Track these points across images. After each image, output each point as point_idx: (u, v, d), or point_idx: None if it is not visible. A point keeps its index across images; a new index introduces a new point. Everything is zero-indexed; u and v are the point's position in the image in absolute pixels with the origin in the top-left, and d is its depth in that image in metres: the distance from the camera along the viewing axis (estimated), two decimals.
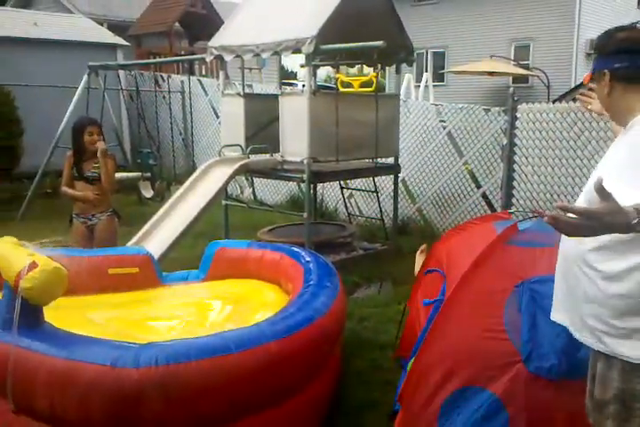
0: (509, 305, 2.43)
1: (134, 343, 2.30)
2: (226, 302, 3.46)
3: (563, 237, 1.77)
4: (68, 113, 7.46)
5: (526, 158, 5.73)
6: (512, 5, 17.72)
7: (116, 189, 4.42)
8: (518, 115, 5.72)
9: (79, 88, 7.70)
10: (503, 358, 2.32)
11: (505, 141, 5.82)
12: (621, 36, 1.72)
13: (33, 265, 2.23)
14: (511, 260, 2.64)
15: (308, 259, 3.54)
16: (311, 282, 3.20)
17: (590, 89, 2.31)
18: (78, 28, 10.64)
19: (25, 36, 9.13)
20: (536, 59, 17.86)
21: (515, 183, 5.83)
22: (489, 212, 6.15)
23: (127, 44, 10.73)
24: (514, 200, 5.85)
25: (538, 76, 16.88)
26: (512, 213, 3.48)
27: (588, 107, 2.35)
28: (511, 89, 5.99)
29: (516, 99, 5.72)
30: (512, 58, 18.06)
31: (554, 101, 6.35)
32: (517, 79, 18.00)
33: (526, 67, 17.45)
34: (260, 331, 2.59)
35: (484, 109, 6.21)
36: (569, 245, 1.77)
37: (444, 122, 6.64)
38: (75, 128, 4.23)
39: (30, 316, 2.29)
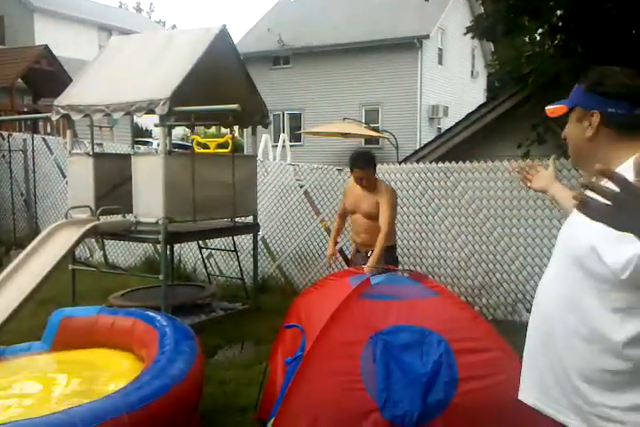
0: (365, 356, 2.51)
1: None
2: (73, 374, 3.22)
3: (542, 305, 1.56)
4: None
5: None
6: (361, 72, 19.17)
7: None
8: None
9: None
10: (361, 408, 2.37)
11: None
12: (626, 80, 1.51)
13: None
14: (365, 312, 2.75)
15: (163, 323, 3.42)
16: (167, 347, 3.08)
17: (529, 166, 2.11)
18: None
19: None
20: (385, 122, 19.30)
21: None
22: (346, 267, 6.35)
23: None
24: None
25: (387, 138, 18.16)
26: (365, 267, 3.63)
27: (529, 184, 2.08)
28: None
29: None
30: (363, 121, 19.34)
31: (400, 162, 6.83)
32: (369, 141, 19.24)
33: (376, 129, 18.75)
34: (112, 403, 2.43)
35: (338, 169, 6.52)
36: (560, 314, 1.50)
37: (301, 181, 6.86)
38: None
39: None
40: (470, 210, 5.62)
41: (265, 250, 7.00)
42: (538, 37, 7.47)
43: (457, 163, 5.70)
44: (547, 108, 1.68)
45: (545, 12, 6.04)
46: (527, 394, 1.60)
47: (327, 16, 20.57)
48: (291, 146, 15.78)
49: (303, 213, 6.79)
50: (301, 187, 6.82)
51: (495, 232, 5.51)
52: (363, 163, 4.42)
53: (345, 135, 17.64)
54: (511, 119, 7.47)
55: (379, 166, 6.02)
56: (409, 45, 18.67)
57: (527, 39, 7.74)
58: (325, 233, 6.65)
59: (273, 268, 6.96)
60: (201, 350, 3.25)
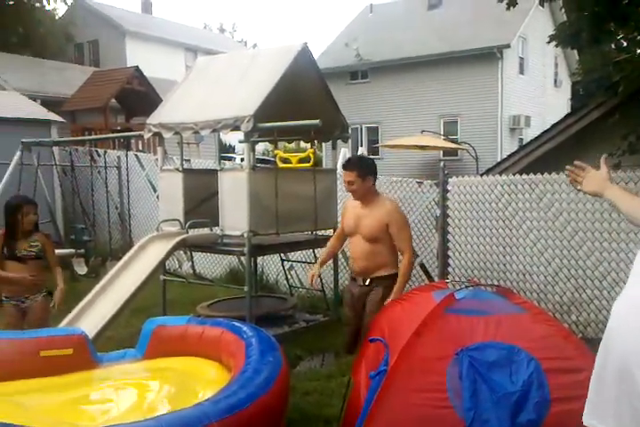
0: (451, 372, 2.48)
1: None
2: (164, 381, 3.34)
3: (621, 334, 1.47)
4: None
5: (459, 229, 5.95)
6: (440, 84, 19.01)
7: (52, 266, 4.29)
8: (449, 187, 5.98)
9: (11, 165, 7.57)
10: (448, 426, 2.34)
11: (438, 213, 6.05)
12: None
13: None
14: (450, 328, 2.71)
15: (249, 333, 3.48)
16: (253, 357, 3.16)
17: (578, 166, 1.96)
18: (11, 104, 10.57)
19: None
20: (464, 133, 19.01)
21: (450, 253, 6.02)
22: (427, 281, 6.28)
23: (62, 120, 10.71)
24: (450, 269, 6.01)
25: (467, 150, 17.86)
26: (449, 282, 3.59)
27: (579, 187, 1.96)
28: (442, 163, 6.31)
29: (446, 172, 6.02)
30: (441, 133, 19.13)
31: (481, 174, 6.71)
32: (447, 153, 18.99)
33: (455, 141, 18.49)
34: (202, 411, 2.51)
35: (417, 182, 6.48)
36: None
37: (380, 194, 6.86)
38: (9, 207, 4.12)
39: None
40: (557, 223, 5.42)
41: (345, 263, 7.04)
42: (625, 44, 7.18)
43: (542, 174, 5.53)
44: None
45: (632, 17, 5.80)
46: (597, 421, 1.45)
47: (405, 29, 20.58)
48: None
49: None
50: None
51: (585, 246, 5.28)
52: (355, 164, 4.00)
53: (423, 148, 17.51)
54: (599, 129, 7.18)
55: (458, 179, 5.96)
56: (489, 55, 18.35)
57: (613, 46, 7.45)
58: None
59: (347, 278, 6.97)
60: (285, 361, 3.31)
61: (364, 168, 3.99)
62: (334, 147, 6.36)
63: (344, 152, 13.54)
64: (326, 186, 5.86)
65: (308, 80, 5.68)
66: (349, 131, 6.24)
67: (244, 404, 2.68)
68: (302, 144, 15.02)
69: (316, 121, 4.77)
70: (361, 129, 20.61)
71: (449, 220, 6.00)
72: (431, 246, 6.31)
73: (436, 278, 6.10)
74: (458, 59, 18.55)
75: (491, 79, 18.55)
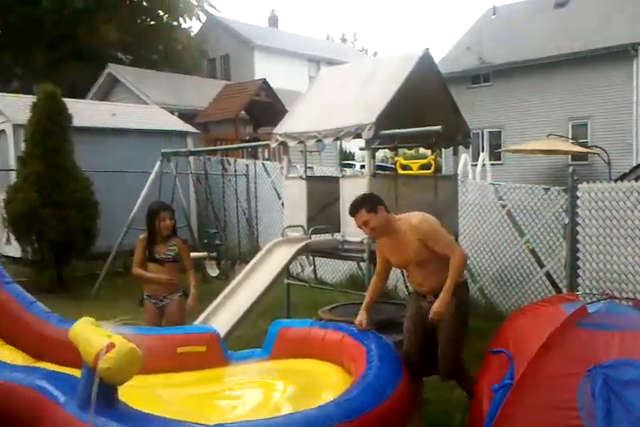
0: (582, 390, 2.37)
1: (204, 425, 2.34)
2: (289, 382, 3.47)
3: None
4: (141, 196, 7.93)
5: (590, 238, 5.63)
6: (567, 85, 18.03)
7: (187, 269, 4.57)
8: (579, 194, 5.69)
9: (152, 173, 8.22)
10: None
11: (567, 221, 5.76)
12: None
13: (110, 346, 2.32)
14: (582, 343, 2.59)
15: (369, 339, 3.53)
16: (374, 363, 3.20)
17: None
18: (152, 117, 11.47)
19: (104, 126, 9.90)
20: (594, 137, 17.85)
21: (579, 263, 5.71)
22: (553, 291, 6.00)
23: (196, 131, 11.45)
24: (579, 280, 5.70)
25: (598, 154, 16.78)
26: (579, 294, 3.42)
27: None
28: (571, 168, 6.00)
29: (575, 178, 5.73)
30: (569, 136, 18.11)
31: (615, 180, 6.30)
32: (576, 157, 17.94)
33: (585, 145, 17.43)
34: (326, 413, 2.59)
35: (544, 189, 6.22)
36: None
37: (503, 201, 6.67)
38: (149, 213, 4.43)
39: (106, 395, 2.36)
40: None
41: (465, 270, 6.89)
42: None
43: None
44: None
45: None
46: None
47: (530, 30, 19.75)
48: (491, 164, 15.35)
49: (506, 234, 6.58)
50: (503, 207, 6.63)
51: None
52: (359, 203, 3.61)
53: (549, 152, 16.67)
54: None
55: (588, 185, 5.63)
56: (623, 53, 17.11)
57: None
58: (530, 255, 6.36)
59: (474, 289, 6.82)
60: (405, 368, 3.32)
61: (369, 201, 3.62)
62: (455, 153, 6.26)
63: (465, 158, 13.30)
64: (447, 193, 5.79)
65: (430, 86, 5.65)
66: (471, 136, 6.13)
67: (366, 409, 2.73)
68: (421, 150, 14.89)
69: (438, 127, 4.74)
70: (482, 134, 20.02)
71: (578, 228, 5.69)
72: (558, 256, 6.02)
73: (563, 290, 5.82)
74: (588, 58, 17.48)
75: (625, 78, 17.27)
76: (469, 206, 6.89)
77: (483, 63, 19.58)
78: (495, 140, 20.01)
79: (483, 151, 17.16)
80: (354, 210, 3.59)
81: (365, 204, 3.56)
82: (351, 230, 5.23)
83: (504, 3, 23.72)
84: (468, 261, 6.89)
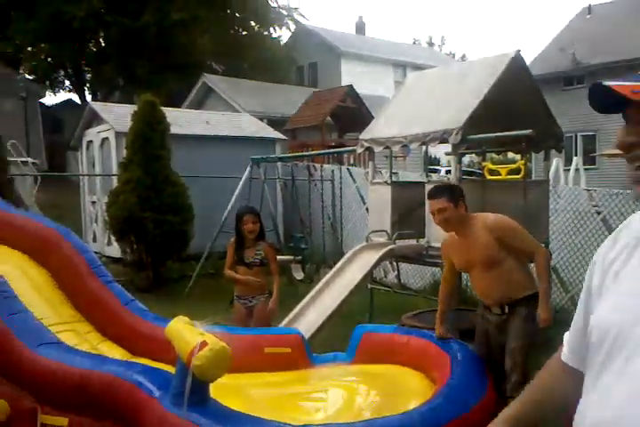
0: None
1: (291, 425, 2.41)
2: (372, 387, 3.47)
3: None
4: (232, 201, 8.22)
5: None
6: None
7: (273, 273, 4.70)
8: None
9: (242, 178, 8.50)
10: None
11: None
12: None
13: (203, 344, 2.42)
14: None
15: (454, 347, 3.49)
16: (458, 372, 3.16)
17: None
18: (243, 124, 11.86)
19: (199, 134, 10.35)
20: None
21: None
22: None
23: (284, 137, 11.71)
24: None
25: None
26: None
27: None
28: None
29: None
30: None
31: None
32: None
33: None
34: (409, 421, 2.60)
35: None
36: None
37: (599, 207, 6.37)
38: (236, 217, 4.61)
39: (199, 392, 2.47)
40: None
41: (556, 279, 6.64)
42: None
43: None
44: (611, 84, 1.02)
45: None
46: None
47: (629, 29, 18.69)
48: (584, 169, 14.65)
49: (601, 242, 6.25)
50: (599, 213, 6.33)
51: None
52: (444, 190, 3.52)
53: None
54: None
55: None
56: None
57: None
58: None
59: (565, 299, 6.55)
60: (491, 379, 3.26)
61: (455, 193, 3.49)
62: (547, 157, 6.05)
63: (557, 163, 12.76)
64: (537, 198, 5.60)
65: (521, 88, 5.50)
66: (563, 139, 5.90)
67: (449, 418, 2.71)
68: (509, 154, 14.45)
69: (529, 131, 4.62)
70: (575, 137, 19.15)
71: None
72: None
73: None
74: None
75: None
76: (561, 213, 6.64)
77: (577, 64, 18.73)
78: (589, 143, 19.08)
79: (576, 155, 16.42)
80: (436, 193, 3.49)
81: (450, 192, 3.48)
82: (436, 236, 5.18)
83: (599, 2, 22.59)
84: (560, 270, 6.63)
